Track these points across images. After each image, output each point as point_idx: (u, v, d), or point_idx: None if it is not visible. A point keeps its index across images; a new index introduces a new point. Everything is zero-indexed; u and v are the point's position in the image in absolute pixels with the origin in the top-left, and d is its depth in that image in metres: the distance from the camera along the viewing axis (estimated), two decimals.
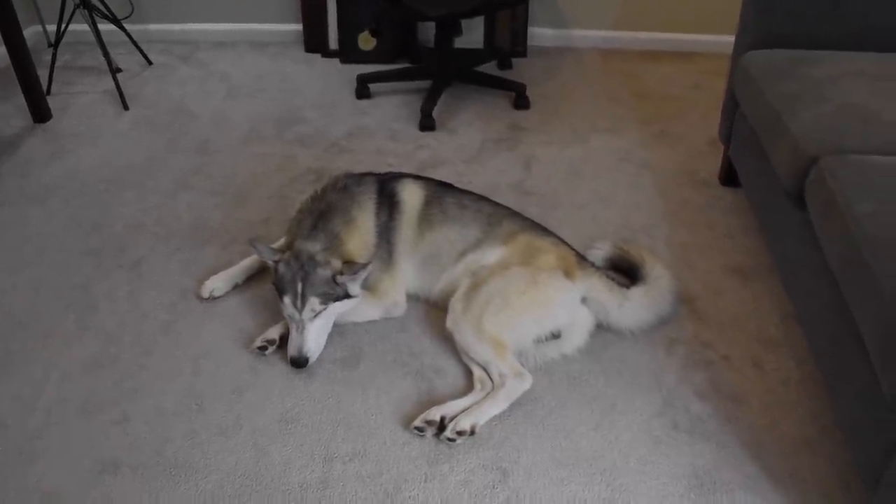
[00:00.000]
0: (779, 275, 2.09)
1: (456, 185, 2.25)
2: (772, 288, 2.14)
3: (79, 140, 3.01)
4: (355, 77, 3.33)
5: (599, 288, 1.97)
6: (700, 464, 1.66)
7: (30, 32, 3.66)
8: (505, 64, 3.56)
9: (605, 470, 1.65)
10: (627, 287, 2.01)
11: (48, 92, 3.32)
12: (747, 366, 1.91)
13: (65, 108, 3.26)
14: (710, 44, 3.62)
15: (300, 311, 1.87)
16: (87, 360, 1.95)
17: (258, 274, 2.22)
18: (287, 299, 1.88)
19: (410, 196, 2.12)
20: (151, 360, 1.95)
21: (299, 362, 1.88)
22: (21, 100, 3.14)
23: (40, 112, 3.14)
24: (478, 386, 1.83)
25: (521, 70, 3.54)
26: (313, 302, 1.87)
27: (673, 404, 1.80)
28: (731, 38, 2.44)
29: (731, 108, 2.41)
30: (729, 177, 2.56)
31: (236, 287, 2.19)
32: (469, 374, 1.88)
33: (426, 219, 2.09)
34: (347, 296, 1.93)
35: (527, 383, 1.81)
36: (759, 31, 2.26)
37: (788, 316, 2.04)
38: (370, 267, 1.94)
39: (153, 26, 3.91)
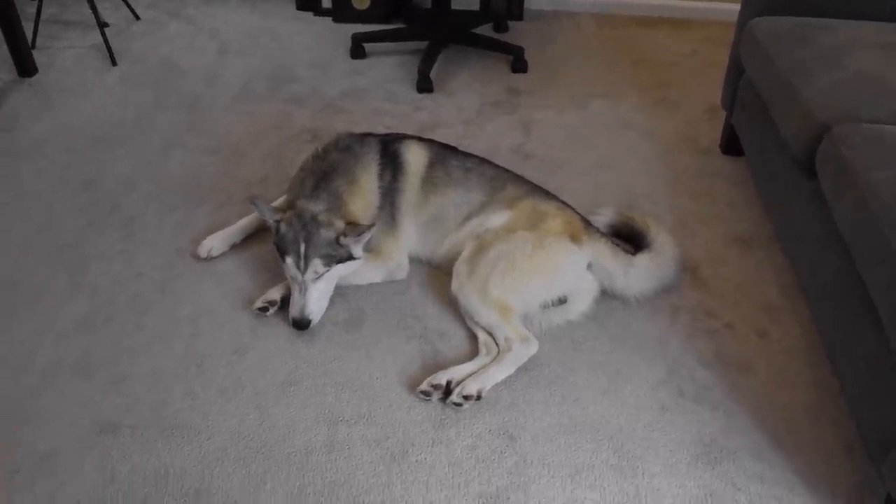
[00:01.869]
0: (781, 243, 2.09)
1: (457, 147, 2.21)
2: (774, 257, 2.14)
3: (66, 95, 2.92)
4: (349, 36, 3.26)
5: (605, 254, 1.95)
6: (706, 431, 1.66)
7: None
8: (501, 27, 3.50)
9: (611, 436, 1.65)
10: (632, 254, 2.00)
11: (33, 46, 3.21)
12: (751, 334, 1.91)
13: (51, 63, 3.16)
14: (707, 11, 3.58)
15: (303, 272, 1.84)
16: (81, 319, 1.90)
17: (256, 234, 2.17)
18: (289, 260, 1.84)
19: (414, 158, 2.08)
20: (148, 319, 1.91)
21: (301, 324, 1.85)
22: (5, 52, 3.04)
23: (25, 66, 3.04)
24: (483, 350, 1.81)
25: (517, 33, 3.48)
26: (316, 263, 1.83)
27: (678, 372, 1.80)
28: (728, 6, 2.42)
29: (735, 75, 2.39)
30: (730, 145, 2.54)
31: (234, 247, 2.14)
32: (474, 338, 1.86)
33: (430, 181, 2.06)
34: (350, 257, 1.90)
35: (533, 348, 1.79)
36: None
37: (791, 285, 2.04)
38: (373, 228, 1.91)
39: None
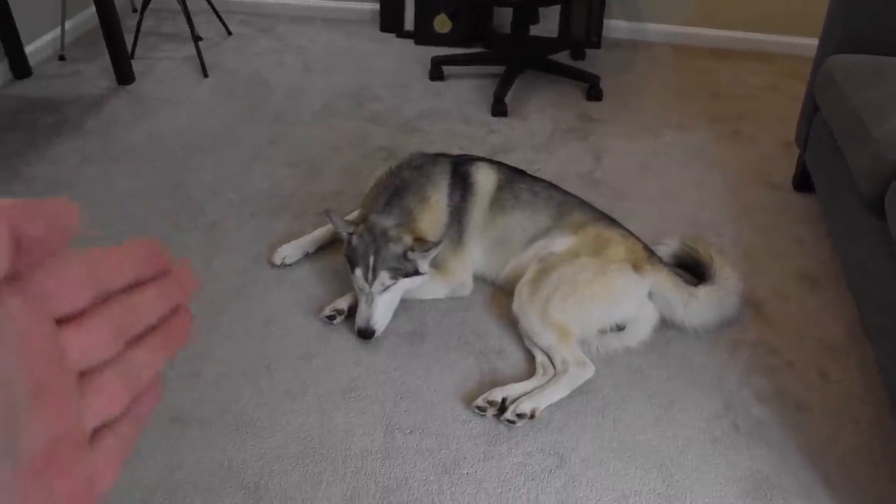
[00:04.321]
0: (848, 283, 2.07)
1: (526, 171, 2.27)
2: (840, 296, 2.12)
3: (160, 103, 3.10)
4: (429, 58, 3.36)
5: (667, 284, 1.97)
6: (758, 467, 1.66)
7: None
8: (578, 54, 3.55)
9: (661, 465, 1.66)
10: (695, 285, 2.01)
11: (132, 56, 3.42)
12: (812, 373, 1.89)
13: (147, 72, 3.36)
14: (789, 45, 3.55)
15: (370, 283, 1.91)
16: None
17: (329, 245, 2.27)
18: (358, 271, 1.93)
19: (484, 179, 2.14)
20: (223, 320, 2.02)
21: (366, 334, 1.92)
22: (107, 62, 3.24)
23: (124, 74, 3.24)
24: (539, 371, 1.86)
25: (594, 61, 3.52)
26: (383, 276, 1.91)
27: (734, 406, 1.80)
28: (812, 41, 2.40)
29: (811, 111, 2.37)
30: (803, 182, 2.52)
31: (307, 256, 2.24)
32: (531, 358, 1.91)
33: (498, 202, 2.12)
34: (417, 272, 1.96)
35: (589, 372, 1.83)
36: (845, 35, 2.21)
37: (856, 325, 2.02)
38: (441, 246, 1.97)
39: None
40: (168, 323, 0.33)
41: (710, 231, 2.38)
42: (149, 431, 1.70)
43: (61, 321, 0.28)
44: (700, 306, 1.96)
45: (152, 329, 0.32)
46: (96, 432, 0.29)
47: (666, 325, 1.99)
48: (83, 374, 0.29)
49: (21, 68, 3.26)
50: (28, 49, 3.30)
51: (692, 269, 2.13)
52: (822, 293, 2.14)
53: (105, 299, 0.29)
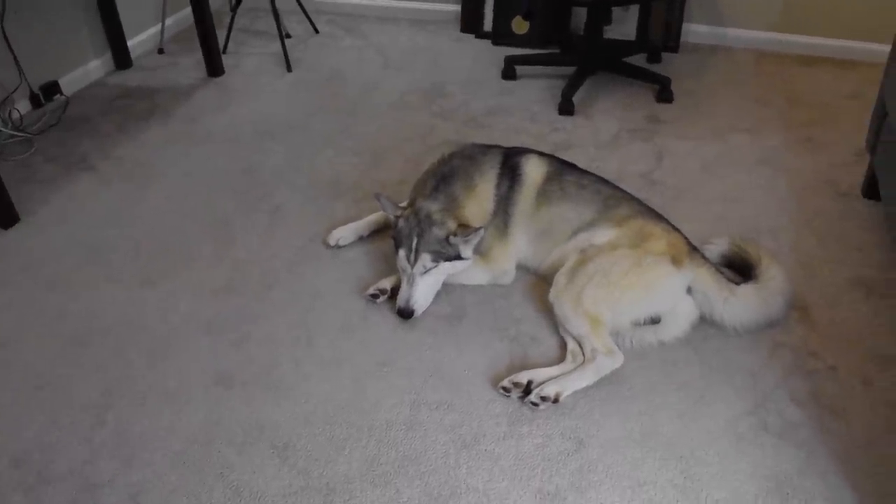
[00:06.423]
0: None
1: (583, 168, 2.27)
2: (895, 305, 2.04)
3: (243, 94, 3.28)
4: (503, 58, 3.41)
5: (706, 279, 1.95)
6: (783, 468, 1.62)
7: None
8: (654, 57, 3.52)
9: (681, 457, 1.65)
10: (738, 284, 1.98)
11: (224, 51, 3.62)
12: (854, 380, 1.83)
13: (236, 66, 3.56)
14: (874, 53, 3.40)
15: (412, 265, 1.98)
16: (218, 285, 2.16)
17: (383, 230, 2.35)
18: (402, 252, 2.00)
19: (532, 170, 2.17)
20: (273, 293, 2.13)
21: (405, 313, 1.99)
22: (200, 55, 3.45)
23: (214, 67, 3.44)
24: (569, 358, 1.87)
25: (669, 65, 3.48)
26: (425, 258, 1.97)
27: (766, 406, 1.77)
28: None
29: (880, 116, 2.29)
30: (871, 189, 2.43)
31: (361, 239, 2.33)
32: (564, 346, 1.92)
33: (545, 194, 2.14)
34: (459, 257, 2.02)
35: (617, 362, 1.83)
36: None
37: None
38: (482, 232, 2.02)
39: None
40: None
41: (767, 235, 2.33)
42: (193, 388, 1.82)
43: None
44: (740, 304, 1.93)
45: None
46: None
47: (706, 322, 1.97)
48: None
49: (123, 60, 3.51)
50: (130, 43, 3.55)
51: (741, 271, 2.09)
52: (877, 301, 2.06)
53: None
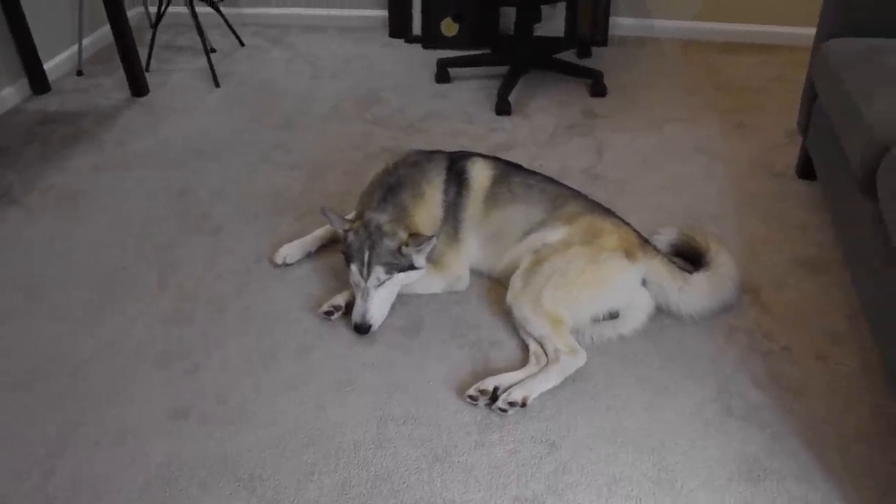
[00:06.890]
0: (848, 268, 2.05)
1: (527, 167, 2.28)
2: (841, 282, 2.09)
3: (171, 113, 3.18)
4: (436, 61, 3.39)
5: (660, 271, 1.97)
6: (751, 451, 1.65)
7: (133, 13, 3.88)
8: (584, 52, 3.56)
9: (652, 449, 1.66)
10: (690, 272, 2.01)
11: (147, 69, 3.51)
12: (809, 358, 1.88)
13: (161, 84, 3.45)
14: (795, 36, 3.52)
15: (366, 279, 1.94)
16: (166, 314, 2.08)
17: (330, 244, 2.31)
18: (354, 267, 1.96)
19: (479, 174, 2.16)
20: (224, 317, 2.06)
21: (362, 328, 1.95)
22: (122, 75, 3.33)
23: (138, 87, 3.33)
24: (532, 360, 1.86)
25: (600, 59, 3.53)
26: (378, 271, 1.94)
27: (728, 390, 1.79)
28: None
29: (810, 97, 2.36)
30: (806, 169, 2.50)
31: (308, 255, 2.28)
32: (525, 348, 1.92)
33: (493, 197, 2.13)
34: (412, 267, 1.99)
35: (581, 360, 1.83)
36: (840, 19, 2.20)
37: (855, 310, 1.99)
38: (434, 240, 2.00)
39: (247, 10, 4.08)
40: None
41: (710, 222, 2.37)
42: (149, 425, 1.74)
43: None
44: (694, 292, 1.96)
45: None
46: None
47: (662, 313, 1.99)
48: None
49: (40, 84, 3.36)
50: (47, 65, 3.41)
51: (691, 259, 2.12)
52: (822, 279, 2.12)
53: None
